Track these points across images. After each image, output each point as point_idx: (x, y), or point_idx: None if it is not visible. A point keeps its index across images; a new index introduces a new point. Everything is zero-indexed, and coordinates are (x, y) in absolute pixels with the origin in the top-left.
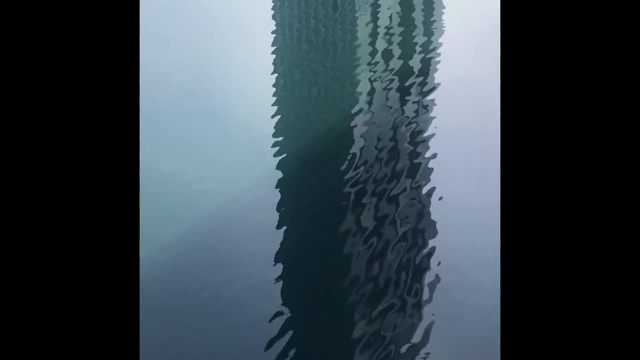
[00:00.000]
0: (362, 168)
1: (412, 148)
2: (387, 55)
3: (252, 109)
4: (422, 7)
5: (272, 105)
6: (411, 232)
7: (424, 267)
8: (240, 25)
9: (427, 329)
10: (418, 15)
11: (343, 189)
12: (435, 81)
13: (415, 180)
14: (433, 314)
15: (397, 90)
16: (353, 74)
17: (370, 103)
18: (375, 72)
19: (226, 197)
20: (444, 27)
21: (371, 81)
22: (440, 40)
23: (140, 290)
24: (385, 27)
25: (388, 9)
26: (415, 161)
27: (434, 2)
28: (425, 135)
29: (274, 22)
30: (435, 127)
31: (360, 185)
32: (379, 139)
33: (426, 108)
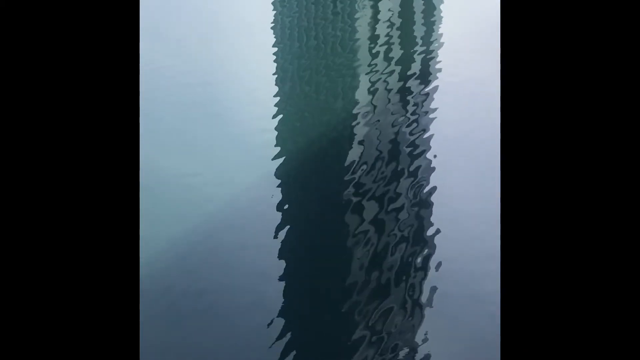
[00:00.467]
0: (362, 168)
1: (412, 148)
2: (388, 55)
3: (252, 109)
4: (422, 7)
5: (273, 105)
6: (411, 232)
7: (424, 268)
8: (241, 25)
9: (427, 329)
10: (418, 16)
11: (343, 189)
12: (436, 81)
13: (415, 180)
14: (433, 315)
15: (398, 90)
16: (354, 74)
17: (370, 103)
18: (375, 72)
19: (226, 197)
20: (444, 27)
21: (371, 81)
22: (440, 41)
23: (140, 290)
24: (386, 28)
25: (389, 10)
26: (415, 161)
27: (434, 2)
28: (425, 135)
29: (274, 22)
30: (436, 127)
31: (361, 186)
32: (379, 139)
33: (426, 108)
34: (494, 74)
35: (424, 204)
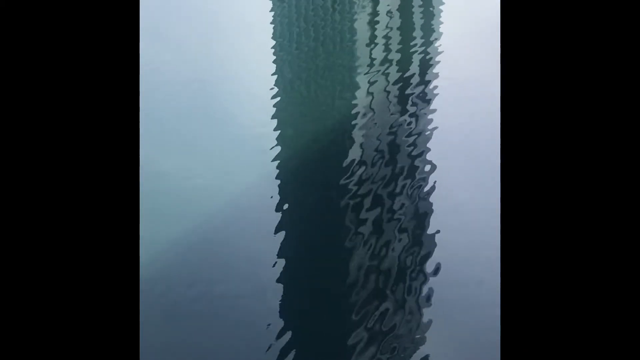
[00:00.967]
0: (361, 168)
1: (411, 148)
2: (387, 55)
3: (252, 109)
4: (422, 7)
5: (272, 105)
6: (411, 232)
7: (423, 268)
8: (240, 25)
9: (427, 329)
10: (417, 15)
11: (343, 189)
12: (435, 81)
13: (414, 180)
14: (433, 315)
15: (397, 90)
16: (352, 74)
17: (369, 103)
18: (374, 73)
19: (226, 198)
20: (443, 27)
21: (371, 82)
22: (439, 41)
23: (140, 290)
24: (385, 28)
25: (388, 13)
26: (414, 162)
27: (432, 2)
28: (424, 135)
29: (273, 22)
30: (435, 128)
31: (360, 186)
32: (378, 139)
33: (426, 108)
34: (494, 74)
35: (424, 204)
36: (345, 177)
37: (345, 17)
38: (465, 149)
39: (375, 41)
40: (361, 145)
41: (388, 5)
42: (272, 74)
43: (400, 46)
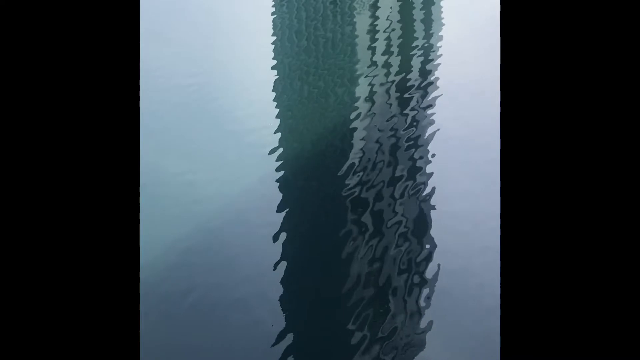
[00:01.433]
0: (362, 170)
1: (412, 150)
2: (387, 56)
3: (252, 110)
4: (422, 7)
5: (273, 107)
6: (411, 234)
7: (423, 270)
8: (241, 26)
9: (427, 330)
10: (418, 16)
11: (344, 190)
12: (435, 82)
13: (415, 182)
14: (433, 316)
15: (397, 91)
16: (353, 75)
17: (370, 105)
18: (375, 74)
19: (226, 199)
20: (444, 27)
21: (371, 83)
22: (440, 42)
23: (140, 292)
24: (385, 29)
25: (388, 15)
26: (415, 163)
27: (433, 3)
28: (425, 136)
29: (273, 23)
30: (436, 130)
31: (361, 187)
32: (379, 140)
33: (426, 109)
34: (495, 75)
35: (424, 206)
36: (346, 179)
37: (345, 18)
38: (466, 150)
39: (376, 42)
40: (362, 146)
41: (389, 7)
42: (273, 76)
43: (401, 48)
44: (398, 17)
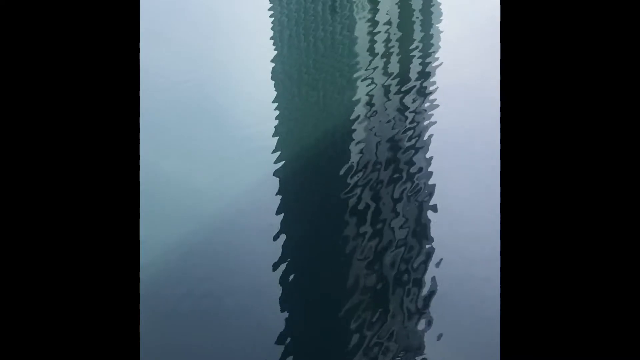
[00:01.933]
0: (361, 172)
1: (411, 151)
2: (386, 57)
3: (252, 111)
4: (421, 9)
5: (272, 107)
6: (410, 235)
7: (423, 270)
8: (240, 26)
9: (426, 332)
10: (417, 17)
11: (343, 192)
12: (435, 84)
13: (414, 183)
14: (432, 317)
15: (397, 93)
16: (352, 76)
17: (369, 106)
18: (374, 75)
19: (226, 200)
20: (443, 28)
21: (370, 84)
22: (439, 43)
23: (140, 292)
24: (384, 31)
25: (387, 15)
26: (414, 164)
27: (432, 4)
28: (425, 137)
29: (272, 24)
30: (435, 130)
31: (360, 189)
32: (378, 142)
33: (426, 111)
34: (494, 76)
35: (424, 207)
36: (345, 180)
37: (344, 19)
38: (466, 151)
39: (375, 43)
40: (361, 147)
41: (387, 9)
42: (272, 77)
43: (400, 49)
44: (397, 18)
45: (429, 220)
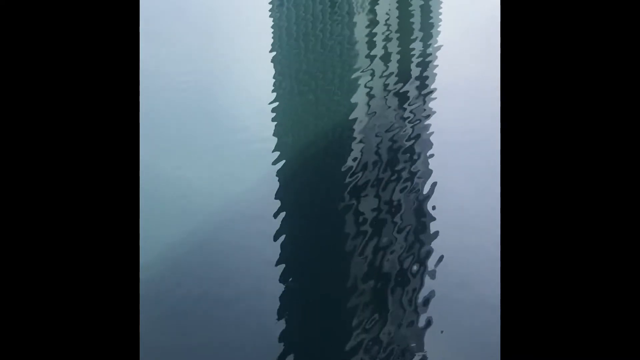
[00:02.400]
0: (361, 171)
1: (411, 150)
2: (386, 57)
3: (252, 110)
4: (420, 8)
5: (272, 107)
6: (410, 234)
7: (423, 270)
8: (240, 27)
9: (426, 331)
10: (416, 17)
11: (343, 192)
12: (434, 83)
13: (414, 182)
14: (432, 317)
15: (396, 92)
16: (351, 76)
17: (369, 105)
18: (374, 75)
19: (226, 200)
20: (442, 27)
21: (369, 84)
22: (439, 42)
23: (140, 292)
24: (384, 30)
25: (387, 14)
26: (414, 164)
27: (431, 2)
28: (424, 136)
29: (272, 24)
30: (435, 129)
31: (360, 188)
32: (378, 141)
33: (425, 110)
34: (494, 76)
35: (423, 206)
36: (345, 179)
37: (344, 19)
38: (465, 150)
39: (374, 43)
40: (361, 146)
41: (387, 7)
42: (272, 77)
43: (399, 48)
44: (397, 17)
45: (429, 219)
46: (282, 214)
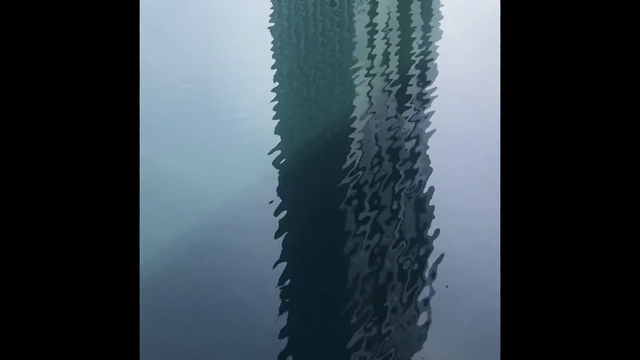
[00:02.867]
0: (361, 169)
1: (411, 148)
2: (386, 55)
3: (252, 109)
4: (420, 6)
5: (272, 106)
6: (410, 233)
7: (422, 269)
8: (240, 25)
9: (426, 331)
10: (416, 15)
11: (343, 190)
12: (435, 81)
13: (414, 180)
14: (432, 316)
15: (396, 90)
16: (352, 75)
17: (369, 103)
18: (374, 73)
19: (225, 198)
20: (443, 26)
21: (369, 83)
22: (439, 41)
23: (140, 291)
24: (384, 28)
25: (387, 12)
26: (415, 161)
27: (432, 1)
28: (424, 136)
29: (273, 22)
30: (435, 128)
31: (360, 186)
32: (378, 139)
33: (425, 108)
34: (494, 74)
35: (423, 206)
36: (345, 178)
37: (344, 17)
38: (465, 150)
39: (375, 41)
40: (361, 145)
41: (387, 5)
42: (272, 75)
43: (400, 47)
44: (397, 14)
45: (429, 218)
46: (283, 213)
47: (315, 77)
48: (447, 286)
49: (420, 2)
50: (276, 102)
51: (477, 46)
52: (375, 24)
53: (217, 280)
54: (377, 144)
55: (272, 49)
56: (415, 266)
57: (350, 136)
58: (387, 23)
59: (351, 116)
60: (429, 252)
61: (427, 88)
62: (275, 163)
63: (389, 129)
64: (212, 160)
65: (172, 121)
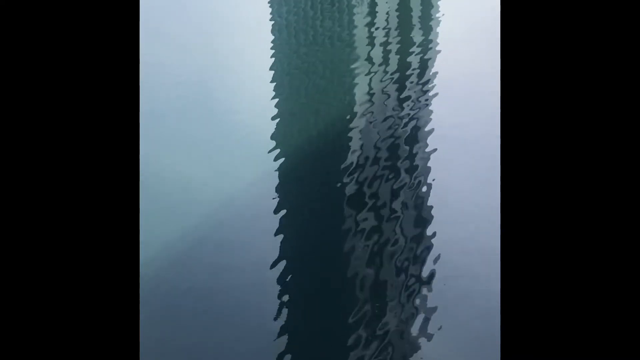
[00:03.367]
0: (361, 167)
1: (411, 146)
2: (386, 53)
3: (252, 108)
4: (420, 5)
5: (272, 104)
6: (409, 232)
7: (422, 269)
8: (240, 25)
9: (426, 331)
10: (416, 12)
11: (343, 188)
12: (434, 79)
13: (414, 178)
14: (432, 317)
15: (396, 88)
16: (351, 74)
17: (369, 101)
18: (373, 72)
19: (225, 197)
20: (442, 25)
21: (370, 80)
22: (438, 38)
23: (140, 290)
24: (383, 27)
25: (387, 11)
26: (414, 159)
27: (432, 2)
28: (424, 133)
29: (272, 21)
30: (434, 125)
31: (360, 184)
32: (377, 137)
33: (425, 106)
34: (494, 71)
35: (423, 204)
36: (345, 175)
37: (343, 16)
38: (465, 148)
39: (374, 40)
40: (360, 143)
41: (387, 3)
42: (272, 74)
43: (399, 45)
44: (396, 13)
45: (428, 216)
46: (283, 211)
47: (314, 77)
48: (444, 284)
49: (420, 2)
50: (276, 101)
51: (477, 46)
52: (375, 21)
53: (217, 279)
54: (376, 143)
55: (271, 49)
56: (414, 265)
57: (349, 135)
58: (387, 22)
59: (350, 115)
60: (427, 250)
61: (427, 87)
62: (275, 162)
63: (388, 128)
64: (212, 159)
65: (172, 121)
